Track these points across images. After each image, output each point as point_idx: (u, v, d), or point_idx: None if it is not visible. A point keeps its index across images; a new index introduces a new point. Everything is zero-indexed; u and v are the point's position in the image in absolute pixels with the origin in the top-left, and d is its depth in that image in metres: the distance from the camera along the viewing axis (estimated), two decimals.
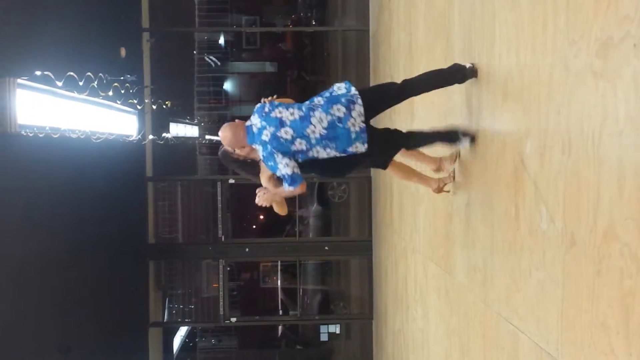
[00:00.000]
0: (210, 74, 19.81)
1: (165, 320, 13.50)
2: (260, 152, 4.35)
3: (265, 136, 4.28)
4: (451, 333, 5.39)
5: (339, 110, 4.25)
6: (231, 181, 12.17)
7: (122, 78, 8.23)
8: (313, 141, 4.27)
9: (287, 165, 4.25)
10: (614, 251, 2.47)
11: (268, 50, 22.44)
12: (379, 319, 11.22)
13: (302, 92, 21.85)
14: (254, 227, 21.49)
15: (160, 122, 11.78)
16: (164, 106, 11.33)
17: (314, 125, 4.24)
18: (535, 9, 3.28)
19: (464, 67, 4.39)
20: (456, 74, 4.41)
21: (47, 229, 7.07)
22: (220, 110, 20.63)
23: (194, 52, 18.66)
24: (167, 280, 13.61)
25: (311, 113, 4.27)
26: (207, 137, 18.43)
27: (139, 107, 8.98)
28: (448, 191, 5.03)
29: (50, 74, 5.89)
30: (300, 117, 4.28)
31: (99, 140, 7.31)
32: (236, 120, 4.47)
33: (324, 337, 18.45)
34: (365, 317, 12.53)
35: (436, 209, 5.73)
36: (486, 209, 4.18)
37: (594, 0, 2.61)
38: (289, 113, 4.31)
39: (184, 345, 17.44)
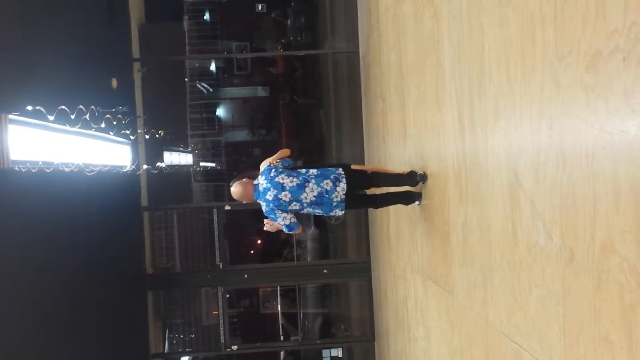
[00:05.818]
0: (202, 101, 19.83)
1: (165, 351, 13.39)
2: (263, 207, 5.63)
3: (269, 196, 5.51)
4: (453, 352, 5.35)
5: (327, 185, 5.54)
6: (227, 207, 12.15)
7: (114, 109, 8.21)
8: (304, 204, 5.54)
9: (285, 218, 5.56)
10: (613, 265, 2.45)
11: (259, 75, 22.53)
12: (380, 341, 11.14)
13: (294, 115, 21.90)
14: (252, 252, 21.40)
15: (154, 152, 11.76)
16: (157, 135, 11.32)
17: (306, 193, 5.49)
18: (523, 25, 3.29)
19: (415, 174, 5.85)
20: (409, 179, 5.91)
21: (44, 263, 7.02)
22: (213, 137, 20.64)
23: (186, 79, 18.68)
24: (166, 310, 13.52)
25: (306, 183, 5.51)
26: (202, 164, 18.40)
27: (132, 138, 8.97)
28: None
29: (41, 108, 5.87)
30: (297, 185, 5.50)
31: (92, 173, 7.28)
32: (244, 180, 5.68)
33: None
34: (367, 340, 12.44)
35: (433, 229, 5.71)
36: (483, 226, 4.17)
37: (582, 15, 2.62)
38: (289, 180, 5.52)
39: None
